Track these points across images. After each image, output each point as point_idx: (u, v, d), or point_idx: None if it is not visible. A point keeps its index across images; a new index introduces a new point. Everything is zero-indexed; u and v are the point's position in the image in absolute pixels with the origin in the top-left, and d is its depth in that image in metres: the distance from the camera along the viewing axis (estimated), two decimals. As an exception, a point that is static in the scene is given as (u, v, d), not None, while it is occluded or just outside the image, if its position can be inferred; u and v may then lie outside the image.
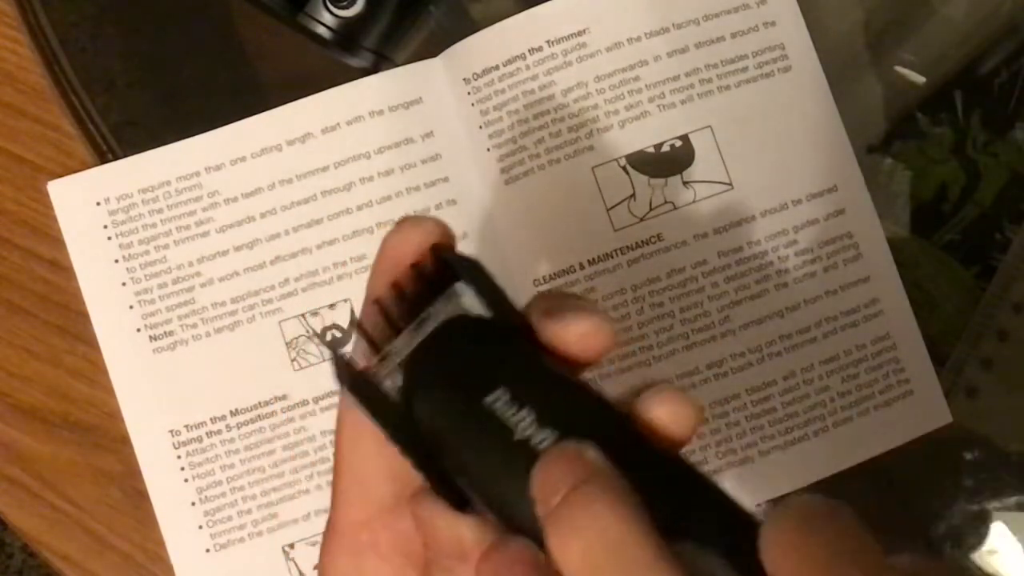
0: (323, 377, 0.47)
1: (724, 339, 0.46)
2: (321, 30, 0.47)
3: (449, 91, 0.48)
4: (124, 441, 0.47)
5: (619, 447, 0.24)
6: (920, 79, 0.49)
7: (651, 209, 0.47)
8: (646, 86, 0.47)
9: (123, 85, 0.50)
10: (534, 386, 0.25)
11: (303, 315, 0.47)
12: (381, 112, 0.48)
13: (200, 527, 0.46)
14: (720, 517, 0.24)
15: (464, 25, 0.49)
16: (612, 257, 0.47)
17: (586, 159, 0.47)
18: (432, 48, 0.49)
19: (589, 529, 0.22)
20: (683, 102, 0.48)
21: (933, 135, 0.48)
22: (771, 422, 0.46)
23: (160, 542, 0.46)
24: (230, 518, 0.46)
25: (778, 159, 0.48)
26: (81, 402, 0.48)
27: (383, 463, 0.28)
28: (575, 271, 0.47)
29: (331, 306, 0.47)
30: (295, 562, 0.47)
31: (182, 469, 0.47)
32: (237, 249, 0.48)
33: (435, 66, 0.49)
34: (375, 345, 0.27)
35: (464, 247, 0.47)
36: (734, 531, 0.24)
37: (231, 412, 0.47)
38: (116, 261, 0.48)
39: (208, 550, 0.46)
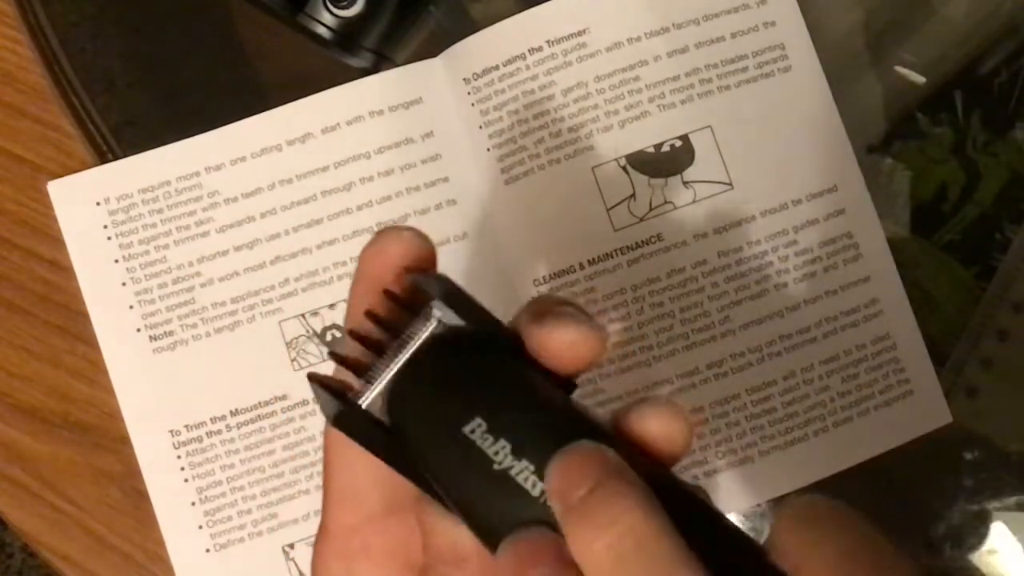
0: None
1: (724, 339, 0.46)
2: (321, 30, 0.47)
3: (449, 91, 0.48)
4: (124, 441, 0.47)
5: None
6: (920, 79, 0.49)
7: (651, 209, 0.47)
8: (646, 86, 0.47)
9: (123, 85, 0.50)
10: (512, 413, 0.25)
11: (303, 315, 0.47)
12: (381, 112, 0.48)
13: (200, 527, 0.46)
14: (718, 538, 0.24)
15: (464, 25, 0.49)
16: (612, 257, 0.47)
17: (586, 159, 0.47)
18: (432, 48, 0.49)
19: (614, 525, 0.23)
20: (683, 102, 0.47)
21: (933, 135, 0.48)
22: (771, 422, 0.46)
23: (160, 542, 0.46)
24: (230, 518, 0.46)
25: (778, 159, 0.48)
26: (81, 402, 0.48)
27: (372, 471, 0.28)
28: (575, 271, 0.47)
29: (331, 306, 0.47)
30: (295, 562, 0.47)
31: (182, 469, 0.47)
32: (237, 249, 0.48)
33: (435, 66, 0.49)
34: (357, 370, 0.27)
35: (464, 247, 0.47)
36: (733, 552, 0.24)
37: (231, 412, 0.47)
38: (116, 261, 0.48)
39: (208, 550, 0.46)
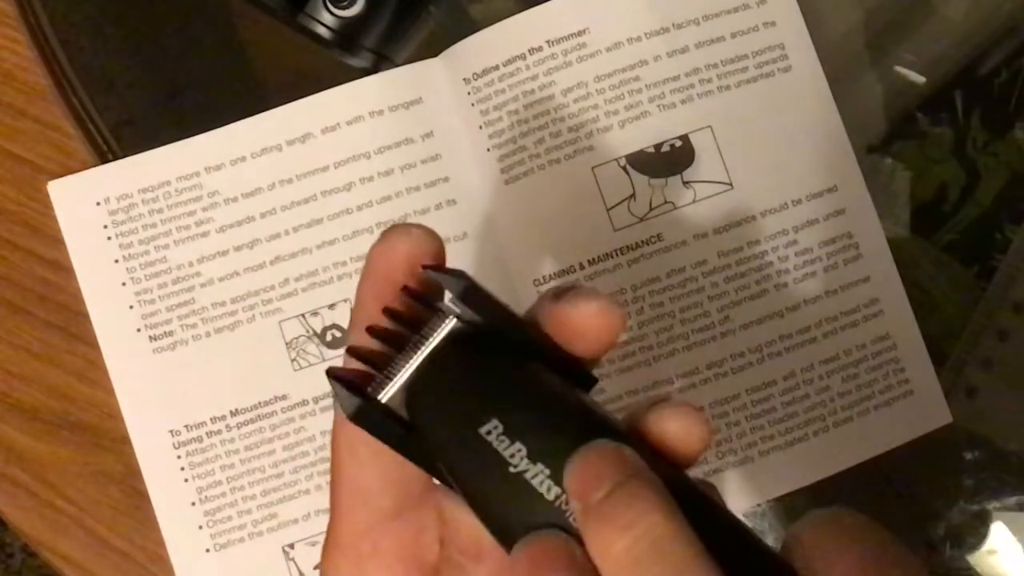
0: (323, 377, 0.47)
1: (724, 339, 0.46)
2: (321, 30, 0.47)
3: (449, 91, 0.48)
4: (124, 441, 0.47)
5: None
6: (920, 79, 0.49)
7: (651, 209, 0.47)
8: (646, 86, 0.47)
9: (123, 85, 0.50)
10: (528, 416, 0.25)
11: (303, 315, 0.47)
12: (381, 112, 0.48)
13: (200, 527, 0.46)
14: (730, 539, 0.24)
15: (464, 25, 0.49)
16: (612, 257, 0.47)
17: (586, 159, 0.47)
18: (432, 48, 0.49)
19: (634, 526, 0.23)
20: (683, 102, 0.48)
21: (933, 135, 0.48)
22: (771, 422, 0.46)
23: (160, 542, 0.46)
24: (230, 518, 0.46)
25: (778, 159, 0.48)
26: (81, 402, 0.48)
27: (383, 470, 0.28)
28: (575, 271, 0.47)
29: (331, 306, 0.47)
30: (295, 562, 0.47)
31: (182, 469, 0.47)
32: (237, 249, 0.48)
33: (435, 66, 0.49)
34: (375, 365, 0.27)
35: (464, 247, 0.47)
36: (746, 554, 0.24)
37: (231, 412, 0.47)
38: (116, 261, 0.48)
39: (208, 550, 0.46)
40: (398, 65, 0.49)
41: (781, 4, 0.48)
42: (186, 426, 0.47)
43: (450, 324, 0.26)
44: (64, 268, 0.48)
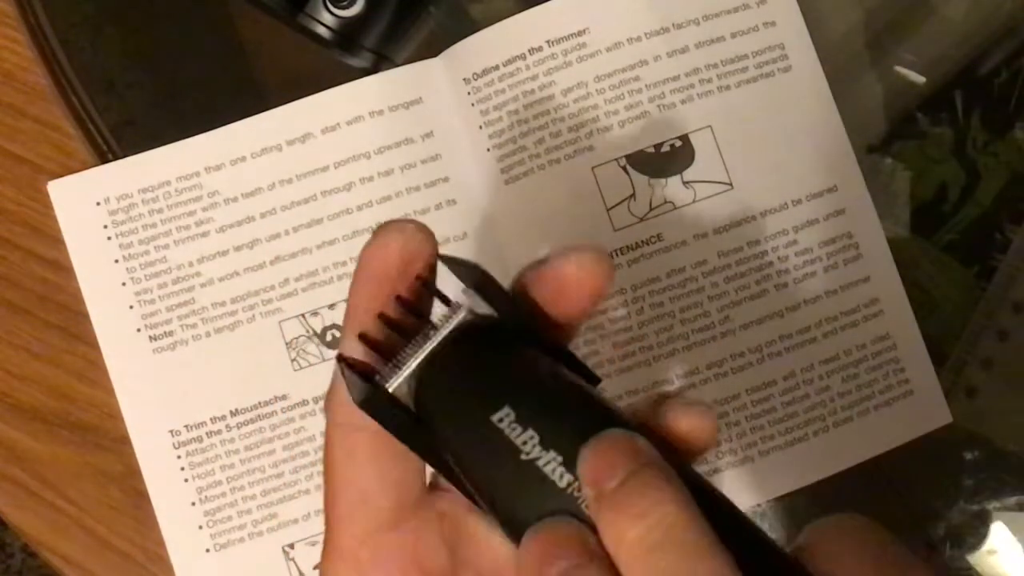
0: (323, 377, 0.47)
1: (724, 339, 0.46)
2: (321, 30, 0.47)
3: (449, 91, 0.48)
4: (124, 441, 0.47)
5: None
6: (920, 79, 0.49)
7: (651, 209, 0.47)
8: (646, 86, 0.47)
9: (123, 85, 0.50)
10: (540, 403, 0.25)
11: (303, 315, 0.47)
12: (381, 112, 0.48)
13: (200, 527, 0.46)
14: (740, 532, 0.24)
15: (464, 25, 0.49)
16: (612, 257, 0.47)
17: (586, 159, 0.47)
18: (432, 48, 0.49)
19: (649, 514, 0.23)
20: (683, 102, 0.48)
21: (933, 135, 0.48)
22: (771, 422, 0.46)
23: (160, 542, 0.46)
24: (230, 518, 0.46)
25: (778, 159, 0.48)
26: (81, 402, 0.48)
27: (381, 471, 0.28)
28: (575, 271, 0.47)
29: (331, 306, 0.47)
30: (295, 562, 0.47)
31: (182, 469, 0.47)
32: (237, 249, 0.48)
33: (435, 66, 0.49)
34: (385, 355, 0.27)
35: (464, 247, 0.47)
36: (755, 547, 0.24)
37: (231, 412, 0.47)
38: (116, 261, 0.48)
39: (208, 550, 0.46)
40: (398, 65, 0.49)
41: (781, 4, 0.48)
42: (186, 426, 0.47)
43: (461, 314, 0.26)
44: (64, 268, 0.48)
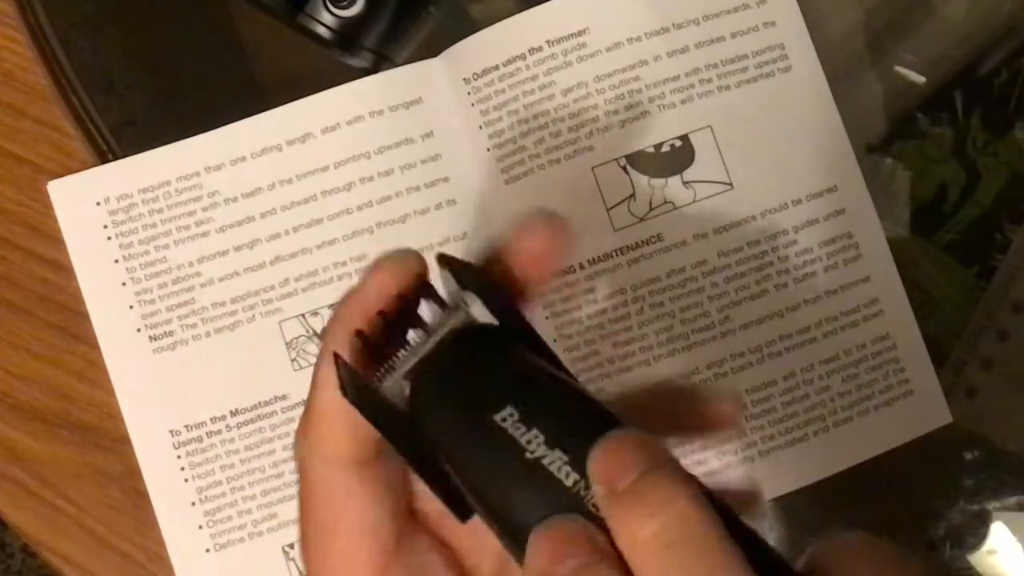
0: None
1: (724, 339, 0.46)
2: (321, 30, 0.47)
3: (449, 91, 0.48)
4: (124, 441, 0.47)
5: None
6: (920, 79, 0.49)
7: (651, 209, 0.47)
8: (646, 86, 0.47)
9: (123, 85, 0.50)
10: (545, 403, 0.25)
11: (303, 315, 0.47)
12: (381, 112, 0.48)
13: (200, 527, 0.46)
14: (752, 541, 0.24)
15: (464, 25, 0.49)
16: (612, 257, 0.47)
17: (586, 159, 0.47)
18: (432, 48, 0.49)
19: (663, 512, 0.23)
20: (683, 102, 0.48)
21: (933, 135, 0.48)
22: (771, 422, 0.46)
23: (160, 542, 0.46)
24: (230, 518, 0.46)
25: (778, 159, 0.48)
26: (81, 402, 0.48)
27: (377, 492, 0.28)
28: (575, 271, 0.47)
29: (331, 306, 0.47)
30: (295, 562, 0.47)
31: (182, 469, 0.47)
32: (237, 249, 0.48)
33: (435, 66, 0.49)
34: (378, 355, 0.27)
35: (464, 247, 0.47)
36: (762, 552, 0.24)
37: (231, 412, 0.47)
38: (116, 261, 0.48)
39: (208, 550, 0.46)
40: (398, 65, 0.49)
41: (781, 4, 0.48)
42: (186, 426, 0.47)
43: (460, 317, 0.26)
44: (64, 268, 0.48)
